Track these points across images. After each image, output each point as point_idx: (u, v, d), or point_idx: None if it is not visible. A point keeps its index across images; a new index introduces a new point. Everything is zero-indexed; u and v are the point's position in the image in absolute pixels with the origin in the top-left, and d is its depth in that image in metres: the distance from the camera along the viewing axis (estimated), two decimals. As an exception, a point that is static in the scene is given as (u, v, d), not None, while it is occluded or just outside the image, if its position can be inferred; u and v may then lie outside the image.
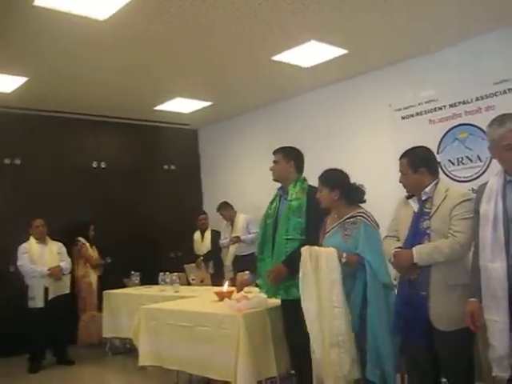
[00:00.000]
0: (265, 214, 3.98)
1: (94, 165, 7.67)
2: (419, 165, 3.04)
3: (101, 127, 7.79)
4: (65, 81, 5.99)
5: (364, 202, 3.44)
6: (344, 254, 3.19)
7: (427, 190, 3.02)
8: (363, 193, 3.43)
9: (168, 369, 4.35)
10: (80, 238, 6.82)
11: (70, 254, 6.47)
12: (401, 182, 3.15)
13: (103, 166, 7.75)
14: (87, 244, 6.87)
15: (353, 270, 3.24)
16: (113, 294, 6.29)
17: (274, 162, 3.92)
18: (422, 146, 3.20)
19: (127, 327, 5.54)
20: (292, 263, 3.54)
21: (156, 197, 8.07)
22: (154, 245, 7.68)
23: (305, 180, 3.87)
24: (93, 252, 6.87)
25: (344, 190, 3.39)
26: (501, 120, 2.62)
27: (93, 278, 6.77)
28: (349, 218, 3.34)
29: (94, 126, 7.69)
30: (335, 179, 3.44)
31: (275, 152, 3.97)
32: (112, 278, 6.88)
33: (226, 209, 7.33)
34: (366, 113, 6.38)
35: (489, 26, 5.13)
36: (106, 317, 6.25)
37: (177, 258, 8.05)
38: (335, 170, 3.51)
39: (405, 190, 3.19)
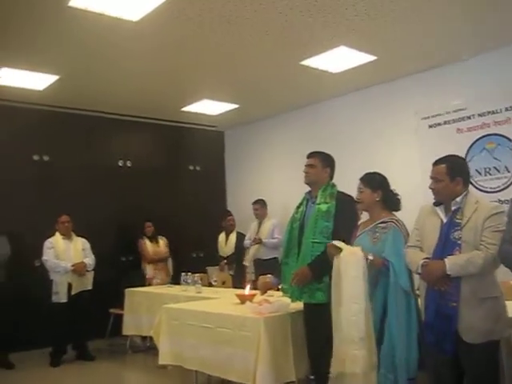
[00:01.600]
0: (291, 218, 3.94)
1: (120, 163, 7.76)
2: (457, 173, 3.00)
3: (128, 127, 7.87)
4: (94, 80, 6.08)
5: (398, 210, 3.44)
6: (370, 254, 3.18)
7: (458, 199, 2.98)
8: (399, 201, 3.46)
9: (187, 369, 4.36)
10: (144, 236, 7.27)
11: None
12: (431, 188, 3.08)
13: (129, 165, 7.84)
14: (146, 240, 7.23)
15: (376, 275, 3.22)
16: (135, 292, 6.33)
17: (310, 165, 3.86)
18: (459, 156, 3.18)
19: (148, 325, 5.58)
20: (317, 267, 3.54)
21: (180, 197, 8.12)
22: (176, 244, 7.72)
23: (334, 185, 3.84)
24: (152, 247, 7.23)
25: (385, 192, 3.42)
26: None
27: (149, 272, 7.09)
28: (381, 223, 3.35)
29: (122, 125, 7.79)
30: (378, 181, 3.46)
31: (311, 155, 3.92)
32: (134, 276, 7.00)
33: (262, 206, 7.29)
34: (393, 120, 6.36)
35: (522, 36, 5.08)
36: (127, 314, 6.28)
37: (198, 259, 8.10)
38: (376, 173, 3.52)
39: (432, 199, 3.15)
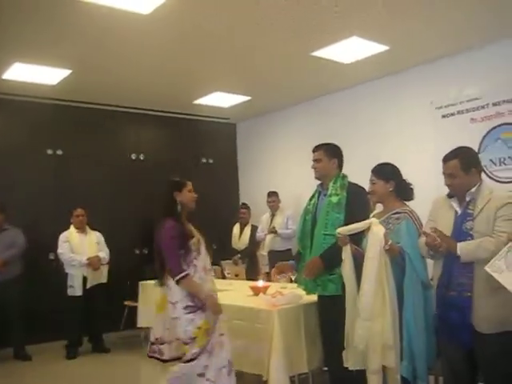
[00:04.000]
0: (304, 210, 3.93)
1: (133, 157, 7.79)
2: (471, 165, 2.97)
3: (140, 120, 7.90)
4: (107, 74, 6.08)
5: (411, 199, 3.43)
6: (390, 241, 3.15)
7: (473, 190, 2.95)
8: (412, 191, 3.45)
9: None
10: None
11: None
12: (448, 184, 3.03)
13: (142, 158, 7.87)
14: None
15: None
16: (149, 285, 6.34)
17: (316, 160, 3.83)
18: (467, 147, 3.13)
19: (162, 318, 5.60)
20: (329, 258, 3.54)
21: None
22: (189, 237, 7.75)
23: (345, 176, 3.81)
24: None
25: (398, 182, 3.42)
26: None
27: None
28: (394, 214, 3.35)
29: (134, 118, 7.81)
30: (390, 171, 3.46)
31: (316, 149, 3.87)
32: (148, 269, 7.01)
33: (277, 198, 7.31)
34: (407, 110, 6.30)
35: (537, 23, 5.00)
36: (141, 307, 6.30)
37: (211, 251, 8.10)
38: (388, 163, 3.52)
39: (446, 190, 3.12)
